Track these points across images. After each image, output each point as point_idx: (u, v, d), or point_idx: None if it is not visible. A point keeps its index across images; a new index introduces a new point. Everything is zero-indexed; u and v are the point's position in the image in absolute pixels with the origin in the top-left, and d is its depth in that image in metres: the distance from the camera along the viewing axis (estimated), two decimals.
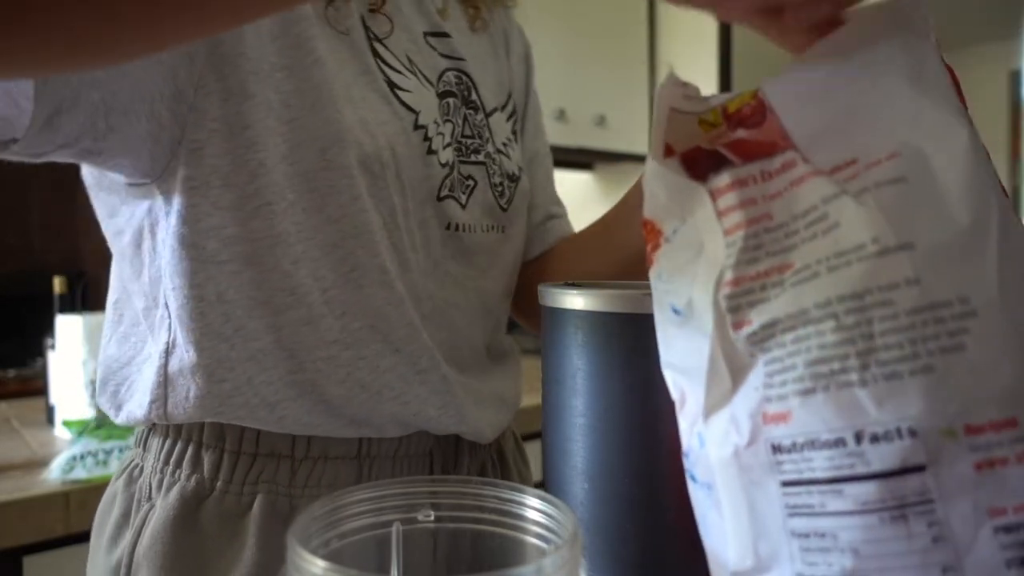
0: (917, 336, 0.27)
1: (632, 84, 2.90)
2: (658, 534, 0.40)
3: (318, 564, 0.24)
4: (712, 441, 0.33)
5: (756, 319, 0.31)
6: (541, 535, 0.31)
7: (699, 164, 0.33)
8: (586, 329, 0.41)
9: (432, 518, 0.33)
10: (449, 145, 0.59)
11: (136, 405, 0.56)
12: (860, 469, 0.28)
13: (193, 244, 0.51)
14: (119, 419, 0.57)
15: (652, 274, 0.38)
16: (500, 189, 0.64)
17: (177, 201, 0.50)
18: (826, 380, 0.29)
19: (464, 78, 0.62)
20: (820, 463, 0.29)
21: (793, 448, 0.30)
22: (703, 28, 2.77)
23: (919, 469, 0.27)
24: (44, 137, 0.43)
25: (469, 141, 0.61)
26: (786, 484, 0.30)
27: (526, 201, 0.69)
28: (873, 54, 0.33)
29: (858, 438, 0.28)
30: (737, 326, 0.32)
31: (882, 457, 0.28)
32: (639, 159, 2.97)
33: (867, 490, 0.28)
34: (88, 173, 0.58)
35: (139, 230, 0.54)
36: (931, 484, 0.27)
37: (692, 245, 0.35)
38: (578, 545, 0.27)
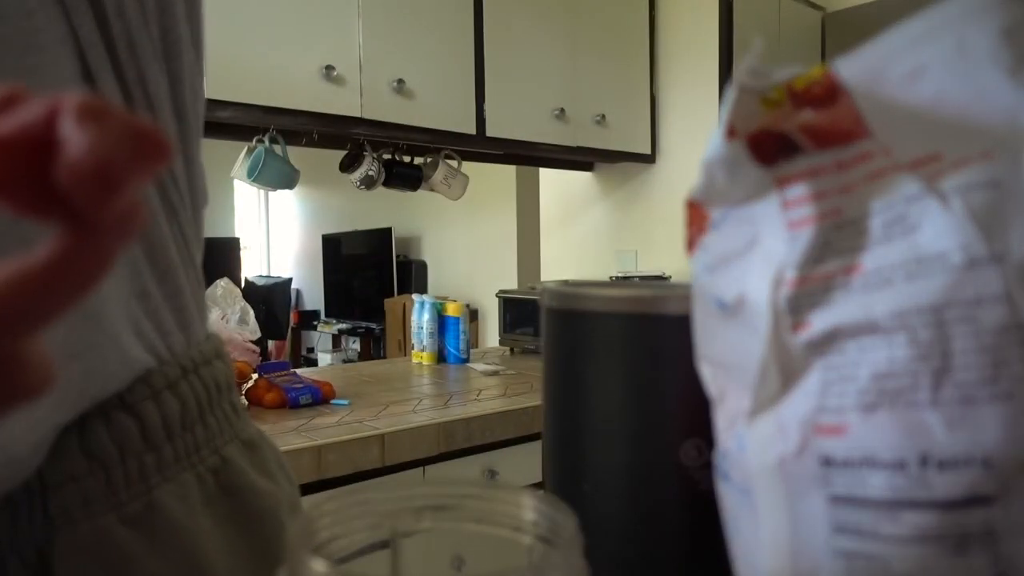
0: (1000, 359, 0.25)
1: (632, 84, 2.84)
2: (658, 534, 0.39)
3: (318, 564, 0.23)
4: (754, 445, 0.31)
5: (817, 323, 0.29)
6: (541, 535, 0.30)
7: (766, 148, 0.30)
8: (586, 329, 0.40)
9: (432, 518, 0.32)
10: None
11: None
12: (921, 495, 0.26)
13: None
14: None
15: (694, 262, 0.35)
16: None
17: None
18: (892, 397, 0.27)
19: None
20: (876, 483, 0.27)
21: (847, 464, 0.28)
22: (704, 28, 2.69)
23: (987, 501, 0.25)
24: None
25: None
26: (834, 500, 0.28)
27: None
28: (969, 38, 0.30)
29: (922, 462, 0.26)
30: (795, 329, 0.29)
31: (947, 485, 0.26)
32: (639, 158, 2.91)
33: (927, 518, 0.26)
34: None
35: None
36: (998, 518, 0.25)
37: (744, 234, 0.33)
38: (578, 545, 0.26)
